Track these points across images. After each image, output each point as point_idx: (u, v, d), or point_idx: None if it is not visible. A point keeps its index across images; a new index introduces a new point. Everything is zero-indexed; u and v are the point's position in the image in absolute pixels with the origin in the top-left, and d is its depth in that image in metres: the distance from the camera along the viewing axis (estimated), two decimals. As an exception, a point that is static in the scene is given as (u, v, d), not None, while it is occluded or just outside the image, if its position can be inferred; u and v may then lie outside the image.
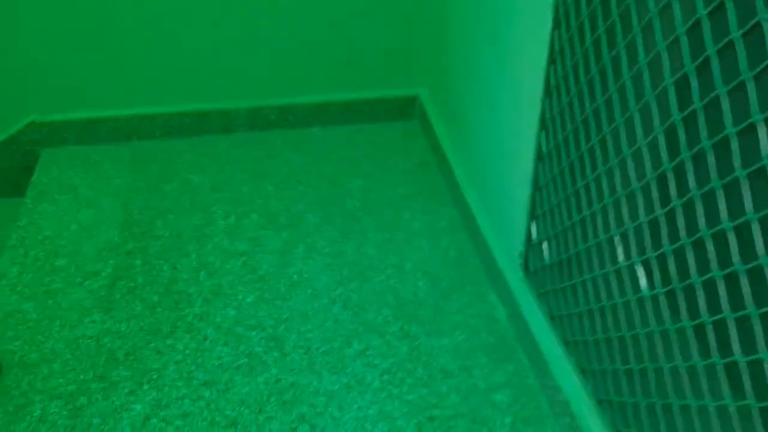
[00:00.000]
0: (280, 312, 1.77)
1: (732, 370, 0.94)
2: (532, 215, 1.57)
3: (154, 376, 1.60)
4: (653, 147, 1.07)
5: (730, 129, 0.88)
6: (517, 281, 1.68)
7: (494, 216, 1.83)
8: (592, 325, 1.33)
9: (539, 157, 1.50)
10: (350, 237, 2.01)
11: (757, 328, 0.87)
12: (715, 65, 0.90)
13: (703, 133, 0.95)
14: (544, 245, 1.51)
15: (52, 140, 2.39)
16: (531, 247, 1.59)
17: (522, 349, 1.65)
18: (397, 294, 1.82)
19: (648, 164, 1.09)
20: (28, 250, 1.96)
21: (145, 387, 1.58)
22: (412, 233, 2.02)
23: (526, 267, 1.63)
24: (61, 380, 1.60)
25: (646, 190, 1.10)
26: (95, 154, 2.37)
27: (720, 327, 0.96)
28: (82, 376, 1.61)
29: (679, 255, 1.03)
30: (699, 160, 0.97)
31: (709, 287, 0.97)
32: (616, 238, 1.20)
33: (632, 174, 1.13)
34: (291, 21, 2.26)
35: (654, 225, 1.09)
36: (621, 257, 1.19)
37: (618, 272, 1.21)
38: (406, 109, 2.54)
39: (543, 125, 1.47)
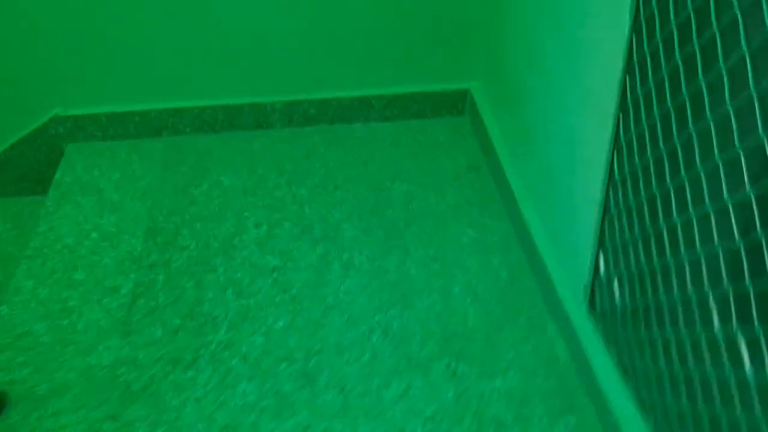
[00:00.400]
0: (313, 341, 1.59)
1: None
2: (601, 245, 1.36)
3: (172, 416, 1.45)
4: (765, 198, 0.85)
5: None
6: (580, 317, 1.47)
7: (554, 235, 1.63)
8: (675, 392, 1.12)
9: (611, 182, 1.28)
10: (391, 252, 1.82)
11: None
12: None
13: None
14: (616, 284, 1.30)
15: (77, 135, 2.25)
16: (598, 281, 1.38)
17: (586, 397, 1.45)
18: (443, 323, 1.63)
19: (757, 218, 0.87)
20: (46, 261, 1.82)
21: (161, 430, 1.42)
22: (461, 250, 1.82)
23: (592, 303, 1.42)
24: (71, 417, 1.45)
25: (754, 250, 0.89)
26: (122, 150, 2.21)
27: None
28: (93, 414, 1.46)
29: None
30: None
31: None
32: (711, 299, 0.99)
33: (735, 227, 0.92)
34: (332, 8, 2.06)
35: (765, 296, 0.87)
36: (717, 324, 0.98)
37: (712, 340, 1.00)
38: (455, 104, 2.33)
39: (617, 146, 1.25)
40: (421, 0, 2.07)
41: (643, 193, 1.16)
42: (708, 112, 0.97)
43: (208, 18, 2.03)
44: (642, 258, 1.18)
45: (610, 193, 1.28)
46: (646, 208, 1.15)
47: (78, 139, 2.26)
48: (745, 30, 0.86)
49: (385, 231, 1.88)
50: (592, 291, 1.41)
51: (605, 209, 1.32)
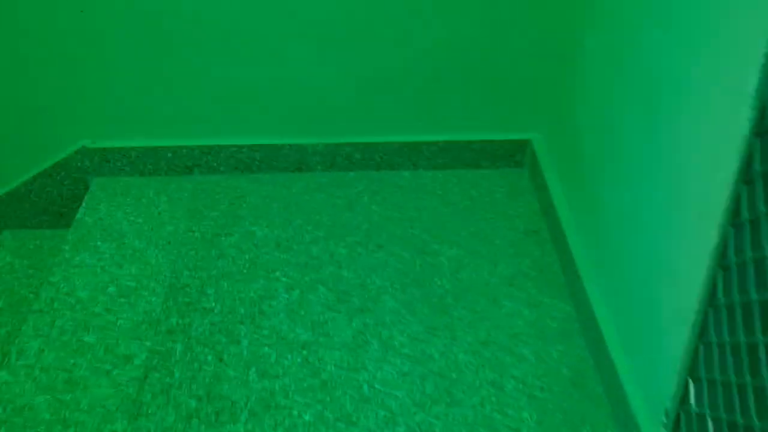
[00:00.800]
0: (343, 442, 1.40)
1: None
2: (692, 372, 1.13)
3: None
4: None
5: None
6: (657, 443, 1.25)
7: (627, 337, 1.40)
8: None
9: (712, 303, 1.06)
10: (437, 333, 1.61)
11: None
12: None
13: None
14: (710, 425, 1.07)
15: (103, 169, 2.09)
16: (686, 412, 1.16)
17: None
18: (493, 428, 1.42)
19: None
20: (56, 319, 1.65)
21: None
22: (515, 334, 1.61)
23: (673, 433, 1.20)
24: None
25: None
26: (150, 189, 2.05)
27: None
28: None
29: None
30: None
31: None
32: None
33: None
34: (383, 46, 1.86)
35: None
36: None
37: None
38: (514, 155, 2.12)
39: (723, 263, 1.03)
40: (481, 40, 1.86)
41: (759, 330, 0.94)
42: None
43: (248, 51, 1.86)
44: (752, 409, 0.96)
45: (710, 316, 1.06)
46: (762, 351, 0.93)
47: (104, 174, 2.10)
48: None
49: (430, 306, 1.68)
50: (677, 419, 1.18)
51: (701, 333, 1.09)
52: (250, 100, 1.96)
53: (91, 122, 2.01)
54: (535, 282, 1.74)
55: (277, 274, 1.77)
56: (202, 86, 1.91)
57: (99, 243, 1.86)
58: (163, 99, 1.95)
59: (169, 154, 2.08)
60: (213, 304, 1.69)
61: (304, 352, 1.57)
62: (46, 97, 1.94)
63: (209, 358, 1.56)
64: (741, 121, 0.95)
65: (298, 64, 1.89)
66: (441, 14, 1.78)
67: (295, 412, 1.45)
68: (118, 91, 1.92)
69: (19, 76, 1.88)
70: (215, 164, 2.11)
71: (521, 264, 1.80)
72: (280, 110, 1.99)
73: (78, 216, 1.97)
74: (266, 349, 1.58)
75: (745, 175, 0.95)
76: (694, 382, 1.12)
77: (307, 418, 1.44)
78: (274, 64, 1.87)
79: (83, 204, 2.02)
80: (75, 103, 1.95)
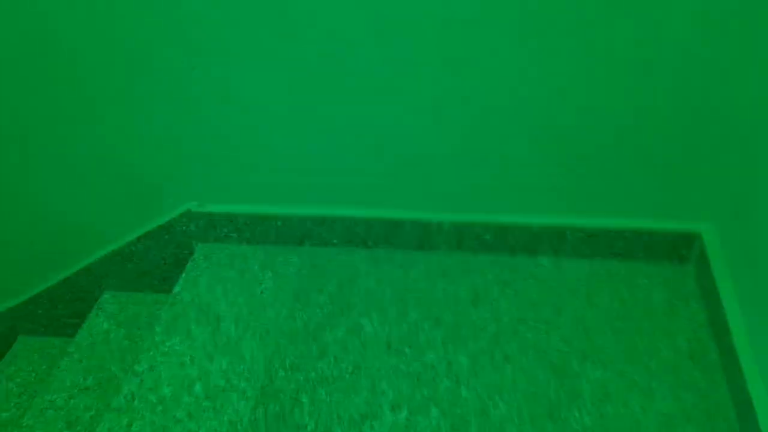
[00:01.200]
0: None
1: None
2: None
3: None
4: None
5: None
6: None
7: None
8: None
9: None
10: (572, 491, 1.30)
11: None
12: None
13: None
14: None
15: (209, 234, 1.92)
16: None
17: None
18: None
19: None
20: (134, 421, 1.47)
21: None
22: (674, 505, 1.26)
23: None
24: None
25: None
26: (256, 261, 1.85)
27: None
28: None
29: None
30: None
31: None
32: None
33: None
34: (523, 117, 1.57)
35: None
36: None
37: None
38: (677, 248, 1.76)
39: None
40: (646, 106, 1.52)
41: None
42: None
43: (367, 115, 1.61)
44: None
45: None
46: None
47: (209, 240, 1.93)
48: None
49: (565, 450, 1.36)
50: None
51: None
52: (370, 167, 1.72)
53: (199, 184, 1.84)
54: (700, 425, 1.39)
55: (384, 385, 1.52)
56: (317, 150, 1.69)
57: (193, 326, 1.68)
58: (274, 163, 1.75)
59: (279, 223, 1.88)
60: (306, 419, 1.46)
61: (407, 499, 1.30)
62: (153, 157, 1.78)
63: (294, 494, 1.32)
64: None
65: (427, 133, 1.63)
66: (596, 75, 1.47)
67: None
68: (230, 152, 1.74)
69: (128, 136, 1.73)
70: (328, 236, 1.89)
71: (682, 398, 1.45)
72: (404, 180, 1.74)
73: (176, 289, 1.80)
74: (362, 489, 1.32)
75: None
76: None
77: None
78: (399, 133, 1.63)
79: (183, 274, 1.85)
80: (182, 164, 1.79)
